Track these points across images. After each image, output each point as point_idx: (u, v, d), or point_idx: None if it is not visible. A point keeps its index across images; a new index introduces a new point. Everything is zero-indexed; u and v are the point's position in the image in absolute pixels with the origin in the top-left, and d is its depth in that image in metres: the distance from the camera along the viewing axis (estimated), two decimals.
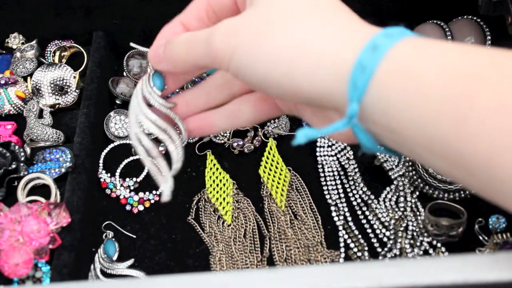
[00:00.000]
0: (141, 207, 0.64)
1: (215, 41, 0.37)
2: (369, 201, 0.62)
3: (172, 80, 0.44)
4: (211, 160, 0.67)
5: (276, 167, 0.65)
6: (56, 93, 0.70)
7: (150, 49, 0.42)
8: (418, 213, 0.60)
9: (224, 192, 0.64)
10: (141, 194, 0.65)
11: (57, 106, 0.70)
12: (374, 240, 0.60)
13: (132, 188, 0.66)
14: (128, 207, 0.64)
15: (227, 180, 0.66)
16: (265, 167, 0.65)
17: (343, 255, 0.59)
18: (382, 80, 0.33)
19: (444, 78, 0.31)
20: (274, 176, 0.65)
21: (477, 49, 0.32)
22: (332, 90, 0.34)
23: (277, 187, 0.64)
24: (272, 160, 0.66)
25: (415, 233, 0.59)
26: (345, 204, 0.62)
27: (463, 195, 0.60)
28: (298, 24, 0.35)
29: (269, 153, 0.66)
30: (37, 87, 0.70)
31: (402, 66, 0.32)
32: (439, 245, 0.58)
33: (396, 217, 0.60)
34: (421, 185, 0.61)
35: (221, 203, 0.64)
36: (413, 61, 0.32)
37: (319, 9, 0.36)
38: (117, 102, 0.73)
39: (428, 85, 0.31)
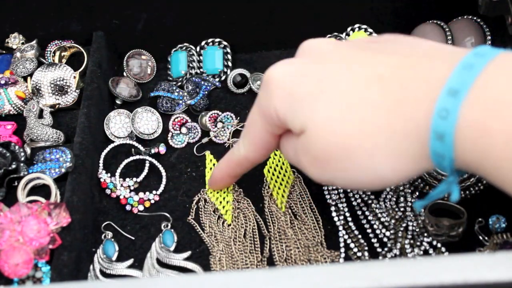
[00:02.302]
0: (141, 207, 0.64)
1: (310, 172, 0.46)
2: (369, 201, 0.62)
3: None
4: (210, 160, 0.67)
5: (281, 168, 0.65)
6: (56, 93, 0.70)
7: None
8: (418, 213, 0.60)
9: (224, 192, 0.64)
10: (141, 194, 0.65)
11: (57, 106, 0.70)
12: (374, 240, 0.60)
13: (132, 188, 0.66)
14: (128, 207, 0.64)
15: None
16: (270, 167, 0.65)
17: (343, 255, 0.59)
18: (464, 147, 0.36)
19: None
20: (277, 177, 0.65)
21: None
22: (421, 164, 0.40)
23: (279, 188, 0.64)
24: (279, 161, 0.66)
25: (415, 233, 0.59)
26: (345, 204, 0.62)
27: (463, 195, 0.60)
28: (372, 160, 0.41)
29: (275, 154, 0.66)
30: (37, 87, 0.70)
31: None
32: (439, 245, 0.58)
33: (396, 217, 0.60)
34: (421, 185, 0.61)
35: (221, 202, 0.64)
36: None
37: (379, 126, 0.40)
38: (117, 102, 0.73)
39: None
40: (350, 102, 0.40)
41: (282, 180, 0.64)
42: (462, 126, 0.35)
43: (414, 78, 0.38)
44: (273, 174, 0.65)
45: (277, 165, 0.66)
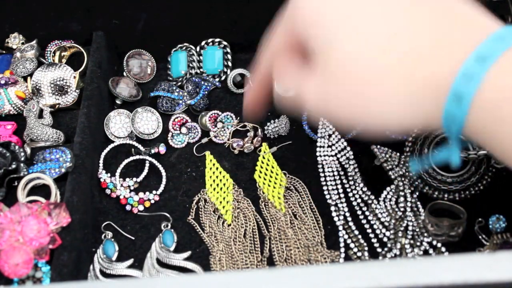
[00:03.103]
0: (141, 207, 0.64)
1: (309, 105, 0.44)
2: (369, 201, 0.62)
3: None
4: (210, 160, 0.67)
5: (271, 171, 0.66)
6: (56, 93, 0.70)
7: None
8: (418, 213, 0.60)
9: (224, 192, 0.64)
10: (141, 194, 0.65)
11: (57, 106, 0.70)
12: (374, 240, 0.60)
13: (132, 188, 0.66)
14: (128, 207, 0.64)
15: (227, 180, 0.66)
16: (260, 172, 0.65)
17: (343, 255, 0.59)
18: (478, 111, 0.36)
19: None
20: (269, 181, 0.65)
21: None
22: (429, 121, 0.39)
23: (273, 191, 0.64)
24: (267, 165, 0.66)
25: (415, 233, 0.59)
26: (345, 204, 0.62)
27: (463, 195, 0.60)
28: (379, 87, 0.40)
29: (263, 157, 0.67)
30: (37, 87, 0.70)
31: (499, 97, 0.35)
32: (439, 245, 0.58)
33: (396, 217, 0.60)
34: (421, 185, 0.61)
35: (221, 202, 0.64)
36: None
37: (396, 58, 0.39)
38: (117, 102, 0.73)
39: None
40: (378, 41, 0.39)
41: (275, 183, 0.65)
42: (483, 92, 0.35)
43: (446, 35, 0.38)
44: (265, 179, 0.65)
45: (266, 169, 0.66)
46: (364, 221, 0.61)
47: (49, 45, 0.76)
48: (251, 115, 0.56)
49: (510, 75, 0.35)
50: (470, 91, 0.35)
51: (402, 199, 0.61)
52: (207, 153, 0.68)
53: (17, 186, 0.60)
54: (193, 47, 0.77)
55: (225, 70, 0.76)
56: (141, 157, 0.67)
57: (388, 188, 0.63)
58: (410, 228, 0.59)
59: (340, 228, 0.61)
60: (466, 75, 0.35)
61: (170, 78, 0.77)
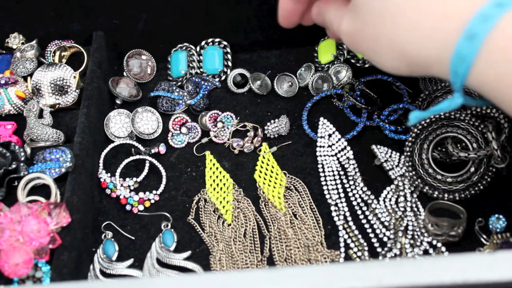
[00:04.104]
0: (141, 207, 0.64)
1: (344, 38, 0.50)
2: (369, 201, 0.62)
3: None
4: (210, 160, 0.67)
5: (271, 171, 0.66)
6: (56, 93, 0.70)
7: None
8: (418, 213, 0.60)
9: (224, 192, 0.64)
10: (141, 194, 0.65)
11: (57, 106, 0.70)
12: (374, 240, 0.60)
13: (132, 188, 0.66)
14: (128, 207, 0.65)
15: (227, 179, 0.66)
16: (260, 172, 0.65)
17: (343, 255, 0.59)
18: (480, 69, 0.38)
19: None
20: (269, 181, 0.65)
21: None
22: (440, 57, 0.41)
23: (273, 191, 0.64)
24: (267, 164, 0.66)
25: (415, 233, 0.59)
26: (345, 204, 0.62)
27: (463, 195, 0.60)
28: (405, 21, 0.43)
29: (263, 157, 0.67)
30: (37, 87, 0.70)
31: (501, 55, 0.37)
32: (439, 245, 0.58)
33: (396, 217, 0.60)
34: (421, 185, 0.61)
35: (221, 202, 0.64)
36: None
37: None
38: (117, 102, 0.73)
39: None
40: None
41: (275, 183, 0.65)
42: (495, 34, 0.37)
43: None
44: (265, 179, 0.65)
45: (266, 169, 0.66)
46: (364, 221, 0.61)
47: (49, 45, 0.76)
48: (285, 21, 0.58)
49: None
50: (483, 31, 0.37)
51: (402, 199, 0.61)
52: (207, 153, 0.68)
53: (17, 186, 0.60)
54: (193, 47, 0.77)
55: (225, 70, 0.76)
56: (141, 157, 0.67)
57: (388, 188, 0.63)
58: (410, 228, 0.59)
59: (340, 228, 0.61)
60: (481, 15, 0.37)
61: (170, 78, 0.77)
